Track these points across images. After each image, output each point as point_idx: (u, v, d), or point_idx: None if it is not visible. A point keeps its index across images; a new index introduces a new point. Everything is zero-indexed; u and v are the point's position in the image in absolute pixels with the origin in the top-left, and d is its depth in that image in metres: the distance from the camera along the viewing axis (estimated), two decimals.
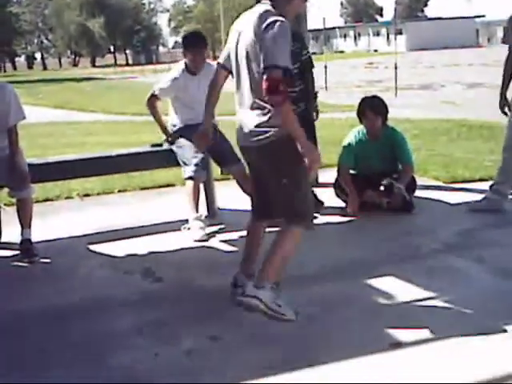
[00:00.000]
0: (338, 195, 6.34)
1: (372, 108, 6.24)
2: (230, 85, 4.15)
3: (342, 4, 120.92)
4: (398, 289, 4.32)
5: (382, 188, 6.18)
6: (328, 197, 6.40)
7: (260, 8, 3.80)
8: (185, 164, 5.95)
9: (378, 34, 77.12)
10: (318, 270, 4.75)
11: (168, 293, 4.48)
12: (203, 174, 5.92)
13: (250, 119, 3.84)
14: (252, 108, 3.82)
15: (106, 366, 3.50)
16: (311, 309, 4.05)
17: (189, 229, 5.74)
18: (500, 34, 75.01)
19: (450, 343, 3.53)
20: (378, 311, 4.00)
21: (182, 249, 5.38)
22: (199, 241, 5.55)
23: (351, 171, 6.33)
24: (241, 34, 3.88)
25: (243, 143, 4.00)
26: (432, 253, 5.05)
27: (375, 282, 4.44)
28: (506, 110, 6.01)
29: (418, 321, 3.83)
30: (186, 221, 5.78)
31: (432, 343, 3.55)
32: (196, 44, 6.07)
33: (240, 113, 3.96)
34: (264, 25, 3.65)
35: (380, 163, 6.26)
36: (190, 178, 5.84)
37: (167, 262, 5.11)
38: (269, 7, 3.78)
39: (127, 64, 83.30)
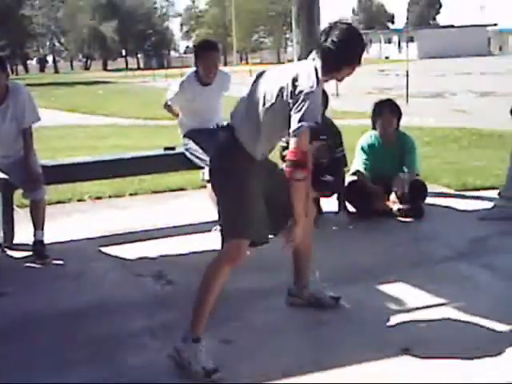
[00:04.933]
0: (350, 200, 6.32)
1: (387, 108, 6.31)
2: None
3: (353, 11, 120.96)
4: (408, 294, 4.34)
5: (393, 194, 6.21)
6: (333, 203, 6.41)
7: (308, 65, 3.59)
8: (202, 166, 5.90)
9: (389, 41, 77.12)
10: (329, 275, 4.74)
11: (180, 296, 4.49)
12: None
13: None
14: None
15: (118, 366, 3.53)
16: (324, 314, 4.08)
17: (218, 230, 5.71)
18: None
19: (461, 349, 3.54)
20: (389, 316, 4.01)
21: (194, 252, 5.40)
22: None
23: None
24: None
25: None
26: (442, 259, 5.06)
27: (386, 288, 4.46)
28: None
29: (429, 326, 3.85)
30: (215, 222, 5.78)
31: (443, 349, 3.56)
32: (209, 51, 5.99)
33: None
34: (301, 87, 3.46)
35: (391, 168, 6.26)
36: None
37: (179, 265, 5.13)
38: (316, 65, 3.56)
39: (138, 68, 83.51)
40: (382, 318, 3.98)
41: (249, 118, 3.63)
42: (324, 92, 6.10)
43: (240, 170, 3.61)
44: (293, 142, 3.45)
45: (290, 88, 3.47)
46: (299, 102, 3.42)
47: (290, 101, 3.46)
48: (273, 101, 3.53)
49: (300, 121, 3.40)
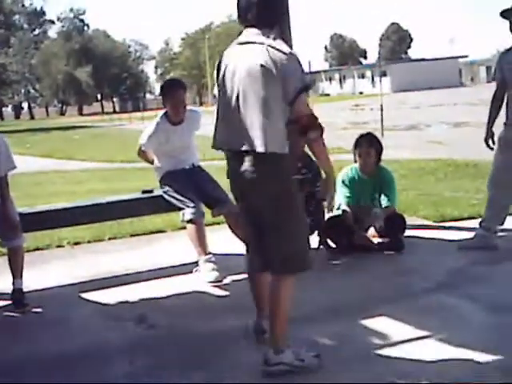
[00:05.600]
0: (330, 236, 6.32)
1: (365, 141, 6.37)
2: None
3: (326, 48, 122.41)
4: (392, 328, 4.33)
5: (372, 229, 6.24)
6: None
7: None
8: (182, 207, 5.90)
9: (362, 76, 78.05)
10: (312, 311, 4.74)
11: (162, 339, 4.46)
12: (203, 215, 5.88)
13: None
14: None
15: None
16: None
17: (200, 271, 5.71)
18: (483, 73, 76.16)
19: (448, 381, 3.53)
20: (374, 351, 3.99)
21: (174, 295, 5.36)
22: (213, 282, 5.49)
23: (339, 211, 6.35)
24: None
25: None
26: (424, 291, 5.06)
27: (370, 323, 4.44)
28: (490, 143, 6.10)
29: (414, 359, 3.83)
30: (196, 263, 5.78)
31: (429, 381, 3.54)
32: (175, 90, 6.00)
33: None
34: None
35: (370, 201, 6.31)
36: (191, 220, 5.79)
37: (160, 308, 5.09)
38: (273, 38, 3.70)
39: (114, 111, 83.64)
40: (368, 354, 3.96)
41: (257, 122, 3.62)
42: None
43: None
44: (296, 108, 3.60)
45: (272, 66, 3.56)
46: (286, 72, 3.55)
47: (277, 76, 3.55)
48: (267, 89, 3.58)
49: (295, 87, 3.56)
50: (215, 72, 3.94)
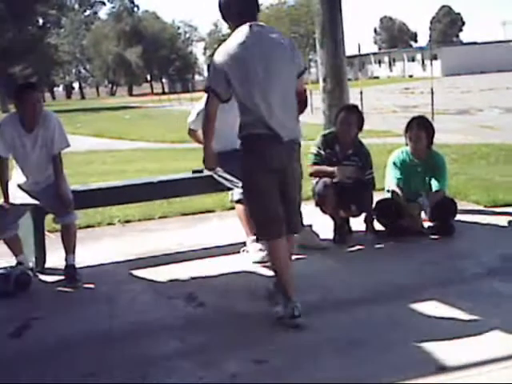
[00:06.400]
0: (378, 219, 6.29)
1: (416, 124, 6.28)
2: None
3: (375, 31, 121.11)
4: (442, 313, 4.29)
5: (422, 212, 6.18)
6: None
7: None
8: (231, 188, 5.94)
9: (413, 59, 76.99)
10: (363, 293, 4.74)
11: (211, 318, 4.51)
12: None
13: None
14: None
15: None
16: (357, 333, 4.05)
17: (247, 251, 5.75)
18: None
19: (497, 367, 3.49)
20: (423, 335, 3.95)
21: (224, 274, 5.40)
22: (259, 262, 5.51)
23: (389, 194, 6.31)
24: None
25: (289, 137, 4.26)
26: (475, 277, 5.01)
27: (419, 306, 4.41)
28: None
29: (464, 345, 3.80)
30: (244, 243, 5.82)
31: (478, 367, 3.51)
32: None
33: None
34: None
35: (421, 185, 6.23)
36: (239, 200, 5.82)
37: (210, 287, 5.14)
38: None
39: (164, 92, 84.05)
40: (417, 337, 3.93)
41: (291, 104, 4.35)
42: (360, 113, 6.15)
43: None
44: (302, 82, 4.48)
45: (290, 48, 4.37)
46: (297, 51, 4.42)
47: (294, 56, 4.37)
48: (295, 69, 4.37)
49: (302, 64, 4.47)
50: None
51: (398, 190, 6.19)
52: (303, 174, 4.67)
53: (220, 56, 4.23)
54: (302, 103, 4.48)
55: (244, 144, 4.34)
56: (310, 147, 6.19)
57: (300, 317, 4.15)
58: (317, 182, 6.11)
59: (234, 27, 4.34)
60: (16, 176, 5.62)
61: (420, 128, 6.26)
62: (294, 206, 4.44)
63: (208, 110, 4.37)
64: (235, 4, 4.34)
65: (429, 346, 3.80)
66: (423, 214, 6.23)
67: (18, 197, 5.50)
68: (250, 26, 4.24)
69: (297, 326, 4.13)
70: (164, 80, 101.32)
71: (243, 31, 4.23)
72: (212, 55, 4.40)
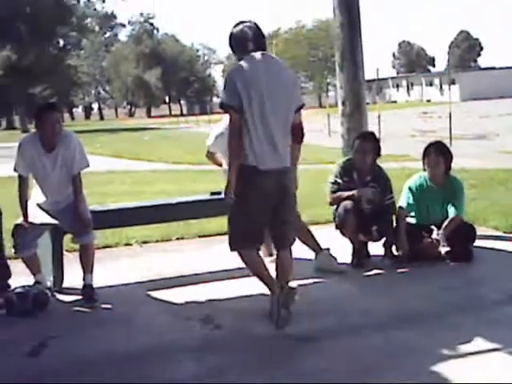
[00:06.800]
0: (395, 245, 6.25)
1: (433, 149, 6.26)
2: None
3: (394, 55, 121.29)
4: (461, 339, 4.25)
5: (439, 237, 6.14)
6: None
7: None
8: None
9: (430, 83, 76.91)
10: (379, 318, 4.72)
11: (228, 340, 4.50)
12: None
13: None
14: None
15: None
16: (373, 358, 4.03)
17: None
18: None
19: None
20: (441, 361, 3.93)
21: (242, 296, 5.39)
22: None
23: (410, 219, 6.29)
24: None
25: (275, 166, 4.60)
26: (494, 303, 4.96)
27: (437, 332, 4.38)
28: None
29: (484, 372, 3.76)
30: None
31: None
32: None
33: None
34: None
35: (439, 211, 6.21)
36: None
37: (226, 309, 5.12)
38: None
39: (182, 114, 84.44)
40: (434, 364, 3.90)
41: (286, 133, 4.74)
42: (376, 141, 6.17)
43: None
44: (299, 116, 4.80)
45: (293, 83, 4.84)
46: (298, 87, 5.03)
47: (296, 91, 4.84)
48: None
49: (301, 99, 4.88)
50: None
51: (403, 206, 6.23)
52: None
53: (233, 75, 4.60)
54: (299, 134, 4.84)
55: (243, 172, 4.62)
56: (327, 172, 6.20)
57: (286, 308, 4.60)
58: (337, 206, 6.11)
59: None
60: (35, 195, 5.66)
61: (438, 154, 6.24)
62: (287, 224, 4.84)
63: (230, 127, 4.60)
64: (250, 41, 4.71)
65: (447, 373, 3.76)
66: (440, 239, 6.17)
67: (37, 216, 5.54)
68: (262, 55, 4.67)
69: (281, 317, 4.55)
70: (182, 102, 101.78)
71: (256, 57, 4.63)
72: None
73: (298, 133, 4.79)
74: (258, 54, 4.64)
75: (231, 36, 4.81)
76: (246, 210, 4.66)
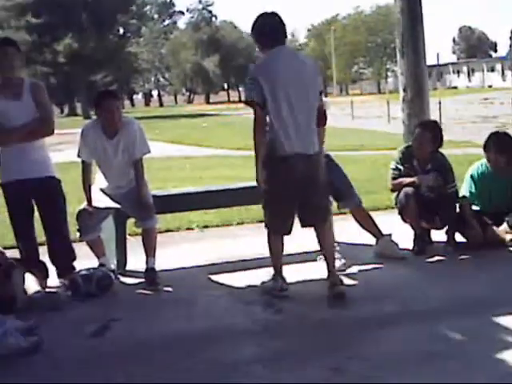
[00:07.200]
0: (460, 231, 6.18)
1: (496, 145, 6.10)
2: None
3: (454, 40, 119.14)
4: None
5: (505, 224, 6.04)
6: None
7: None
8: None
9: (492, 69, 75.34)
10: (440, 305, 4.67)
11: (289, 324, 4.52)
12: (330, 204, 5.88)
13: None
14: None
15: None
16: (437, 345, 3.98)
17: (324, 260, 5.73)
18: None
19: None
20: (505, 349, 3.87)
21: (302, 281, 5.40)
22: (338, 270, 5.51)
23: (474, 207, 6.19)
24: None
25: (303, 151, 4.83)
26: None
27: (502, 320, 4.31)
28: None
29: None
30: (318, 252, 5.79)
31: None
32: None
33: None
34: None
35: (503, 199, 6.09)
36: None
37: (287, 294, 5.13)
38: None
39: (240, 101, 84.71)
40: (499, 351, 3.85)
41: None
42: (438, 129, 6.08)
43: None
44: (320, 101, 5.05)
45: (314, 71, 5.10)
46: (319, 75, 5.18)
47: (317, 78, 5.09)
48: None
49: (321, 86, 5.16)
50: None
51: (466, 196, 6.15)
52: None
53: (257, 71, 4.92)
54: (322, 118, 5.15)
55: (269, 161, 4.92)
56: (387, 158, 6.15)
57: (287, 290, 5.05)
58: (399, 192, 6.06)
59: (264, 50, 5.06)
60: (99, 180, 5.77)
61: (497, 151, 6.07)
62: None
63: (255, 121, 4.90)
64: (270, 32, 4.98)
65: (506, 362, 3.70)
66: (505, 226, 6.06)
67: (100, 200, 5.64)
68: (283, 49, 5.00)
69: (284, 297, 4.97)
70: (241, 88, 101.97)
71: (278, 52, 4.93)
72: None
73: (321, 116, 5.08)
74: (279, 48, 4.94)
75: (253, 28, 5.09)
76: (275, 198, 4.95)
